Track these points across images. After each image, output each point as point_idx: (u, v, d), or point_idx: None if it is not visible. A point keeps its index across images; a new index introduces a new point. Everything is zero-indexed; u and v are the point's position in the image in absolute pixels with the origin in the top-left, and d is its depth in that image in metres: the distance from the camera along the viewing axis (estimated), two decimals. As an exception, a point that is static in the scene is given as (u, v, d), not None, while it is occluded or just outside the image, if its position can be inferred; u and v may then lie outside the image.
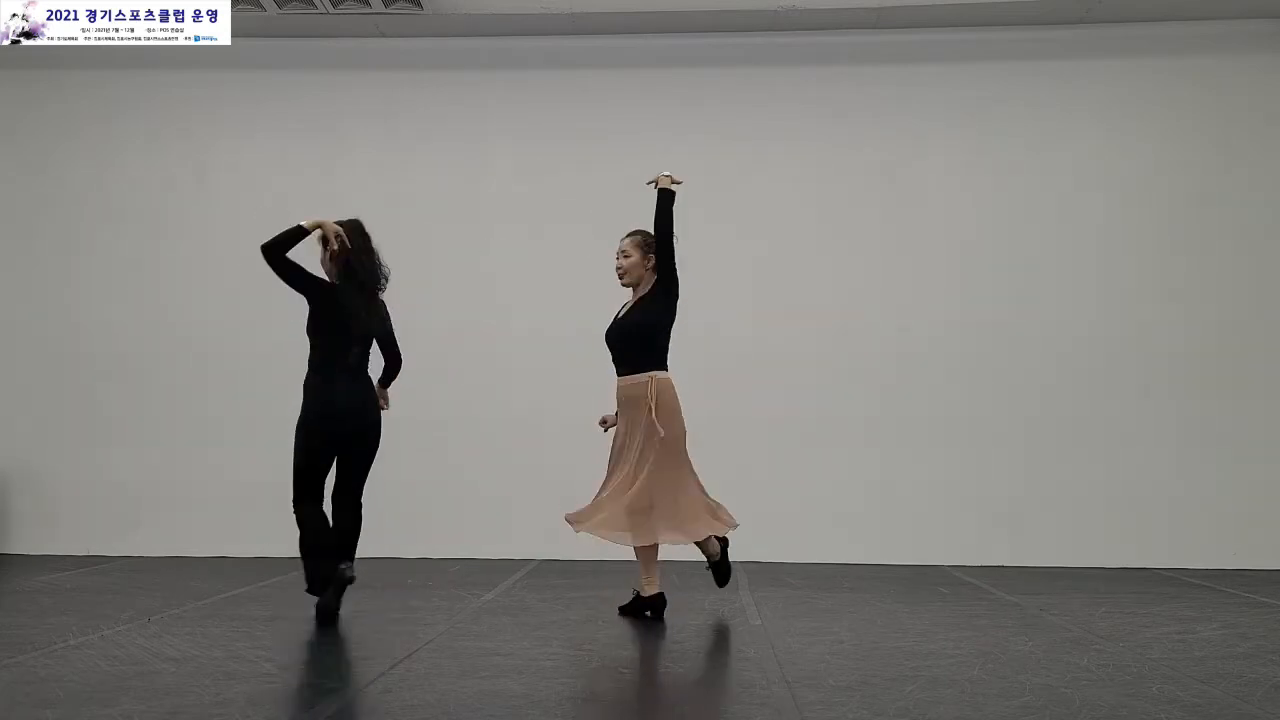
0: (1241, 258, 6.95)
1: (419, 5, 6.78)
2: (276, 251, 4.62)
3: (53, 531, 7.09)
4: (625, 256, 4.83)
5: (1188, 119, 7.03)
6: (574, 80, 7.25)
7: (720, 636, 4.46)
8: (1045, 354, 6.94)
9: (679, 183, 4.78)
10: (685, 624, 4.68)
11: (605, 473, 4.89)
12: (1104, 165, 7.08)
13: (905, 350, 6.98)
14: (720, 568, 5.08)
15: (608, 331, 4.89)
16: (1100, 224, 7.03)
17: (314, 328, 4.76)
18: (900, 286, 7.03)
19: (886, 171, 7.11)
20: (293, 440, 4.71)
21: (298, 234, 4.65)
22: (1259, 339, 6.90)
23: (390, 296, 4.91)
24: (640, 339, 4.77)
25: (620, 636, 4.39)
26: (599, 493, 4.85)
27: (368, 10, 6.86)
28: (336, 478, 4.82)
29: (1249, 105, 7.01)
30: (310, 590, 4.68)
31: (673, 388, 4.75)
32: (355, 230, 4.79)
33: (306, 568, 4.69)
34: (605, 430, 5.02)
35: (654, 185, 4.78)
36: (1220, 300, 6.93)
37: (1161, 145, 7.06)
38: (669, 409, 4.71)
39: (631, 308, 4.85)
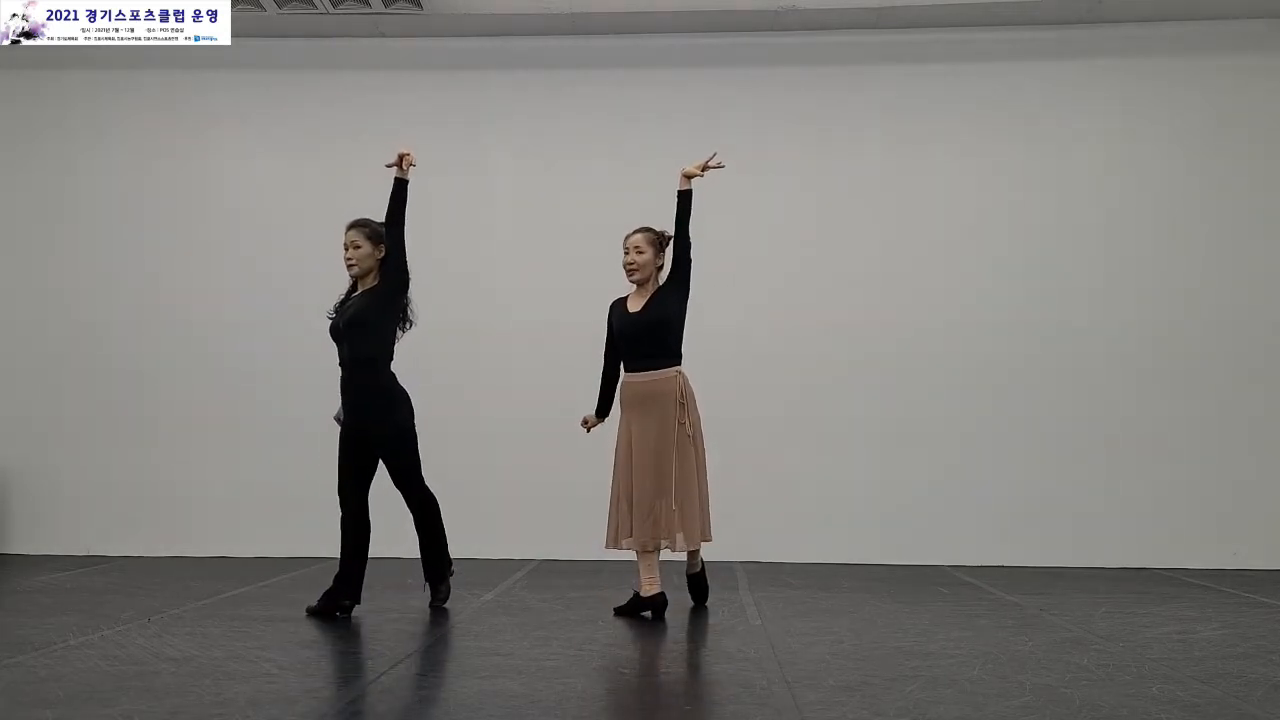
0: (1242, 257, 6.94)
1: (419, 5, 6.78)
2: (403, 218, 4.67)
3: (53, 531, 7.09)
4: (639, 253, 4.81)
5: (1190, 118, 7.02)
6: (574, 80, 7.24)
7: (720, 636, 4.45)
8: (1045, 354, 6.93)
9: (716, 166, 4.82)
10: (685, 624, 4.68)
11: (618, 475, 4.80)
12: (1105, 165, 7.07)
13: (905, 350, 6.98)
14: (701, 582, 5.08)
15: (620, 327, 4.84)
16: (1101, 223, 7.02)
17: (397, 320, 4.84)
18: (900, 287, 7.02)
19: (886, 171, 7.10)
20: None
21: (403, 188, 4.68)
22: (1259, 338, 6.89)
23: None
24: (663, 334, 4.77)
25: (620, 636, 4.39)
26: (620, 497, 4.76)
27: (368, 10, 6.86)
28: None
29: (1250, 105, 7.00)
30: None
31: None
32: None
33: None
34: (589, 431, 5.01)
35: (701, 174, 4.80)
36: (1220, 299, 6.92)
37: (1163, 145, 7.04)
38: (694, 404, 4.78)
39: (648, 303, 4.80)
